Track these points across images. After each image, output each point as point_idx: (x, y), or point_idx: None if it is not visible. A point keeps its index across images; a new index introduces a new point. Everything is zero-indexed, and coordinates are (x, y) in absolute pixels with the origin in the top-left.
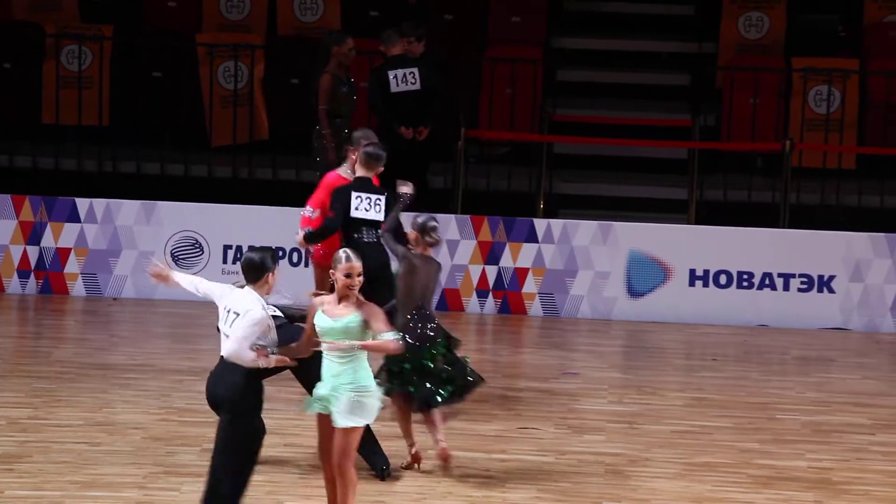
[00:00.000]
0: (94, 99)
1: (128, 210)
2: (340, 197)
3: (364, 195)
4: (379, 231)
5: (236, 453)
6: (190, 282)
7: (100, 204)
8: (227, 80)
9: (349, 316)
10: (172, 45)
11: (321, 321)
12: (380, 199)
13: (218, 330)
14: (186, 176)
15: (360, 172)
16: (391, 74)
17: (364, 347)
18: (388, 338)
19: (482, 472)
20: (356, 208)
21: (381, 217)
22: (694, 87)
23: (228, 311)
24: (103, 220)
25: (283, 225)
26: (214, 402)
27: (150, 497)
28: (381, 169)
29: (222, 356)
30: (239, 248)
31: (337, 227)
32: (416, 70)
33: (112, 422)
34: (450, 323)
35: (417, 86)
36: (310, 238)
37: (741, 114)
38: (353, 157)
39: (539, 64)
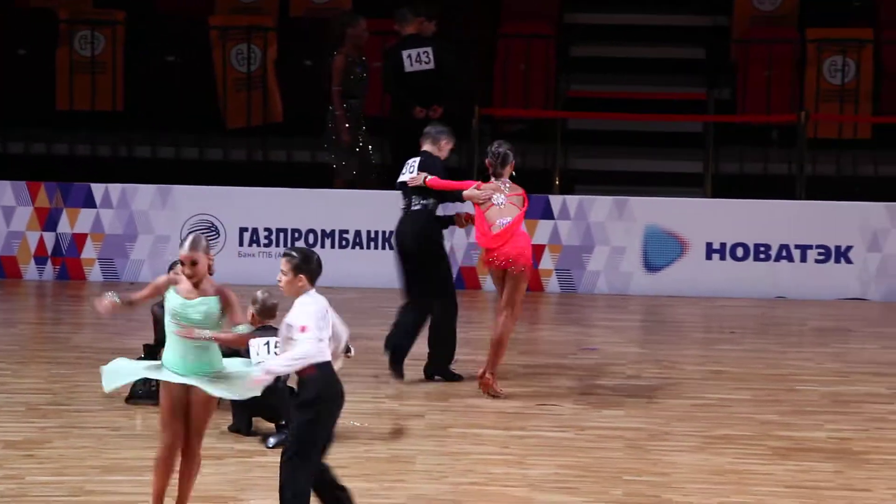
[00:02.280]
0: (107, 84)
1: (143, 195)
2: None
3: (410, 160)
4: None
5: None
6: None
7: (115, 189)
8: (241, 62)
9: (205, 299)
10: (185, 28)
11: (173, 300)
12: (414, 162)
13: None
14: (201, 159)
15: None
16: (405, 54)
17: (217, 340)
18: (243, 331)
19: (502, 448)
20: (402, 173)
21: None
22: (708, 61)
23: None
24: (119, 205)
25: (298, 206)
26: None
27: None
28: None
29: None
30: (255, 230)
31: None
32: (429, 49)
33: (131, 406)
34: (469, 301)
35: (431, 65)
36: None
37: (756, 86)
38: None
39: (553, 40)
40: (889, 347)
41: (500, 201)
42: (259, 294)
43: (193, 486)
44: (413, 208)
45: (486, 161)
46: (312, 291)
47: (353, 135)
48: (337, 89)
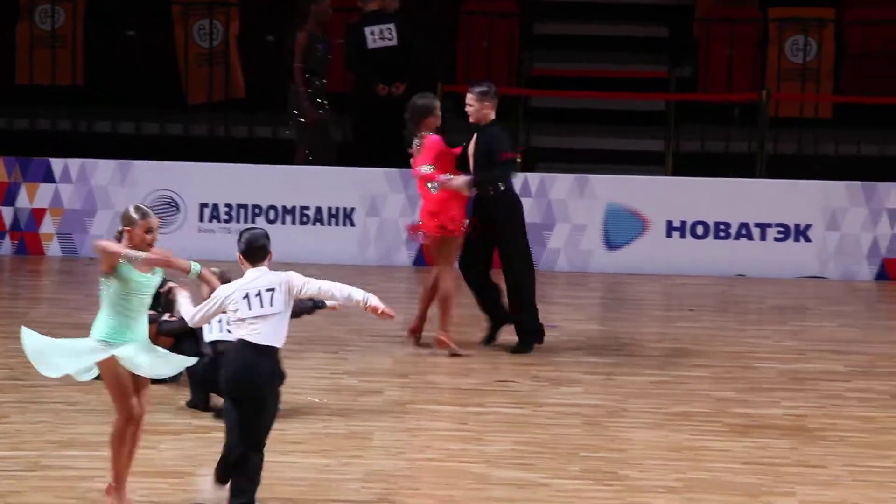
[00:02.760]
0: (67, 58)
1: (103, 170)
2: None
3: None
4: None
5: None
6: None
7: (75, 164)
8: (203, 38)
9: (156, 270)
10: (147, 3)
11: (132, 273)
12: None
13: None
14: (162, 135)
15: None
16: (368, 31)
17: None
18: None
19: (459, 425)
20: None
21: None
22: (671, 39)
23: (259, 294)
24: (78, 180)
25: (259, 182)
26: (258, 388)
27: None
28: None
29: (251, 343)
30: (215, 206)
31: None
32: (392, 26)
33: (89, 381)
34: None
35: (394, 41)
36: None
37: (718, 65)
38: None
39: (516, 17)
40: (846, 326)
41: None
42: (216, 269)
43: None
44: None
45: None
46: (251, 270)
47: (315, 112)
48: (299, 66)
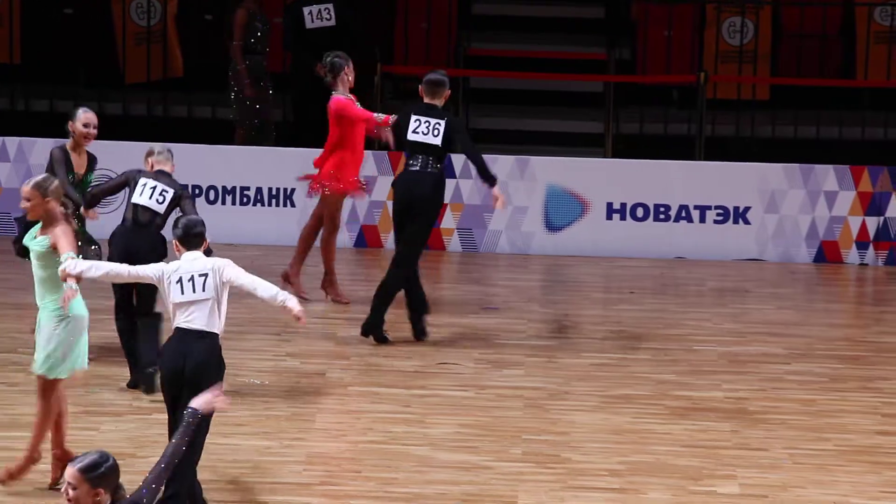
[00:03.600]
0: (4, 36)
1: (41, 149)
2: (401, 116)
3: (423, 118)
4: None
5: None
6: (108, 271)
7: (12, 142)
8: (140, 16)
9: (42, 238)
10: None
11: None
12: (439, 124)
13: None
14: (100, 114)
15: (427, 101)
16: (306, 11)
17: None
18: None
19: (403, 407)
20: (413, 131)
21: (437, 142)
22: (609, 21)
23: (192, 279)
24: (16, 159)
25: (199, 162)
26: (194, 374)
27: (68, 436)
28: (448, 92)
29: (184, 329)
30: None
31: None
32: (330, 6)
33: (29, 361)
34: (371, 259)
35: (332, 21)
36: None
37: (656, 47)
38: (348, 78)
39: None
40: (785, 308)
41: None
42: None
43: None
44: (428, 170)
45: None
46: (186, 253)
47: (255, 91)
48: (237, 44)
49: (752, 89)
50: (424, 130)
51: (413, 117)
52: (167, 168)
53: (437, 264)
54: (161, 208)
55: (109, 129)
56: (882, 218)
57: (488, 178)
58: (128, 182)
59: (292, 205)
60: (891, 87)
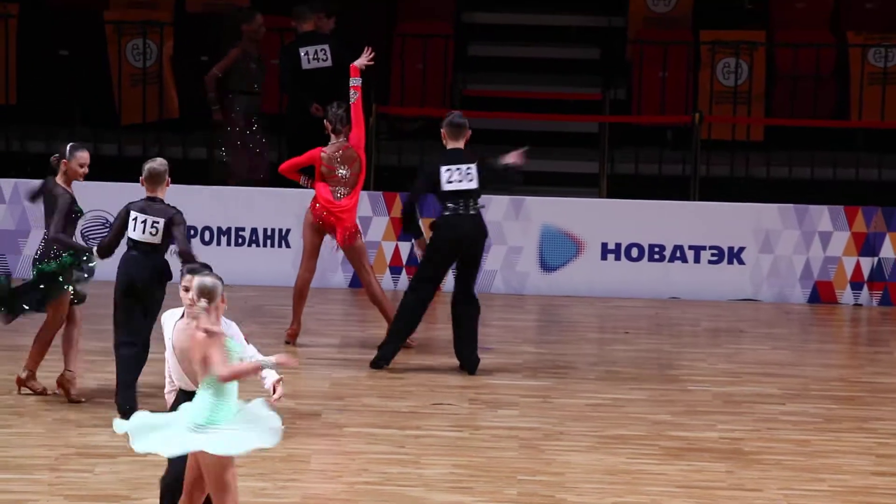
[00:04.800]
0: (0, 77)
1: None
2: (427, 170)
3: (454, 167)
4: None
5: None
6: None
7: (8, 184)
8: (136, 57)
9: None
10: (79, 22)
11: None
12: (470, 169)
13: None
14: (96, 155)
15: (450, 145)
16: (302, 52)
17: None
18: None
19: (397, 448)
20: (448, 181)
21: (475, 185)
22: (604, 61)
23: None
24: (11, 201)
25: (194, 203)
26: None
27: (62, 479)
28: (469, 133)
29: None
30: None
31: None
32: (326, 46)
33: (23, 403)
34: (364, 299)
35: (329, 62)
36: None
37: (651, 87)
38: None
39: (450, 39)
40: (780, 348)
41: (344, 173)
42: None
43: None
44: (471, 212)
45: (325, 122)
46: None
47: (244, 130)
48: (215, 73)
49: (746, 130)
50: (458, 178)
51: (443, 169)
52: (159, 189)
53: (432, 304)
54: (156, 239)
55: (105, 170)
56: (876, 258)
57: (506, 170)
58: (125, 221)
59: (287, 245)
60: (885, 128)
